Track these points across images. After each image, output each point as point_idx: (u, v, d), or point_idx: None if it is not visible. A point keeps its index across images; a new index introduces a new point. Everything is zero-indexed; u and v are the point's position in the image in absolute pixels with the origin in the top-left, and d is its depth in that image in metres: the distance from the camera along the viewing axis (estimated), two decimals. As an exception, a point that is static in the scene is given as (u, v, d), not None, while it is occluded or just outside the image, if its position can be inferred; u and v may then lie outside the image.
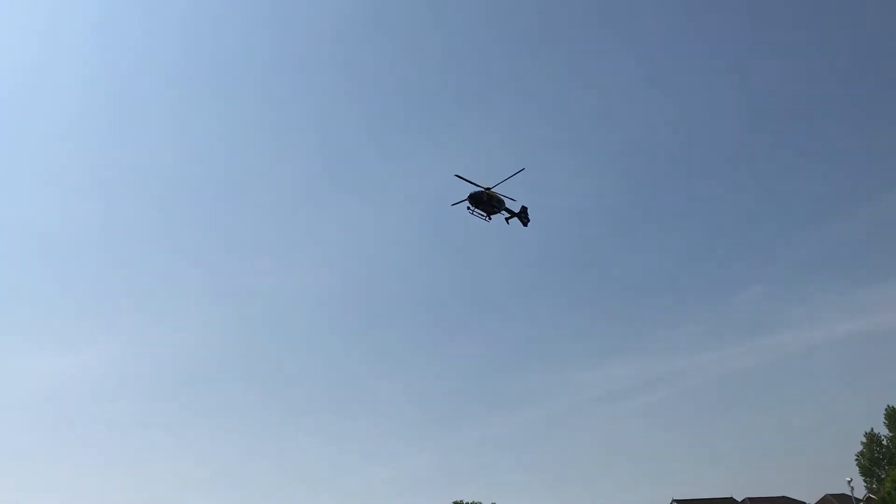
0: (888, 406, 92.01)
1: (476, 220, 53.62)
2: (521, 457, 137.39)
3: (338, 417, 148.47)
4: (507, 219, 55.58)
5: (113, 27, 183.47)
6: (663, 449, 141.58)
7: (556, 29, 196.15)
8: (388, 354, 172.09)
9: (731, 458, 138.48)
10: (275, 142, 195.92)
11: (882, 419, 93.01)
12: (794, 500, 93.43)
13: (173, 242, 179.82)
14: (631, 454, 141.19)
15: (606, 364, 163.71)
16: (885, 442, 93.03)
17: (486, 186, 52.71)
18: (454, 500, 63.12)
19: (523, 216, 56.27)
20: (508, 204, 54.31)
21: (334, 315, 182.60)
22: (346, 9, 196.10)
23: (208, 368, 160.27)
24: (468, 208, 52.33)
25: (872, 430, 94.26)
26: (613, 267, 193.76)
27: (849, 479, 68.94)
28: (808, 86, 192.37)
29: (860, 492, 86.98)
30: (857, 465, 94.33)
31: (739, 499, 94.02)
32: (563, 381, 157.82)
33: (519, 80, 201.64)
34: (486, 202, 52.50)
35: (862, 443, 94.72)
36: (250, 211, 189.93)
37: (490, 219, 53.93)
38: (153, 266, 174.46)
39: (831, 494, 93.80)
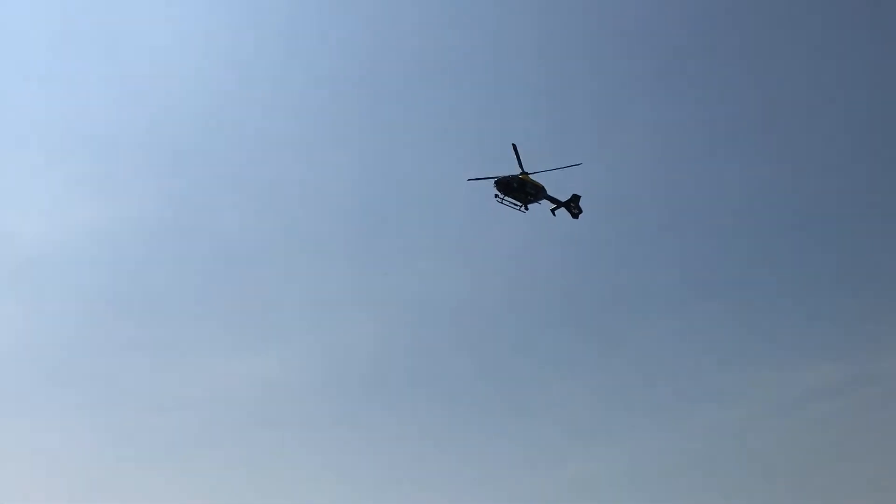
0: None
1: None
2: (702, 466, 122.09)
3: (522, 418, 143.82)
4: (552, 209, 47.51)
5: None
6: (863, 458, 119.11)
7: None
8: (560, 354, 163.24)
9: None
10: (428, 142, 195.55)
11: None
12: None
13: (343, 249, 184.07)
14: (822, 464, 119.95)
15: (798, 364, 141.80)
16: None
17: (521, 172, 45.10)
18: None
19: (573, 206, 47.63)
20: (552, 191, 46.16)
21: (505, 319, 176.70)
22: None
23: (383, 371, 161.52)
24: (496, 196, 45.18)
25: None
26: (803, 256, 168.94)
27: None
28: None
29: None
30: None
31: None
32: (747, 382, 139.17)
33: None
34: (516, 189, 44.95)
35: None
36: (408, 216, 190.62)
37: (527, 209, 46.26)
38: (329, 270, 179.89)
39: None
